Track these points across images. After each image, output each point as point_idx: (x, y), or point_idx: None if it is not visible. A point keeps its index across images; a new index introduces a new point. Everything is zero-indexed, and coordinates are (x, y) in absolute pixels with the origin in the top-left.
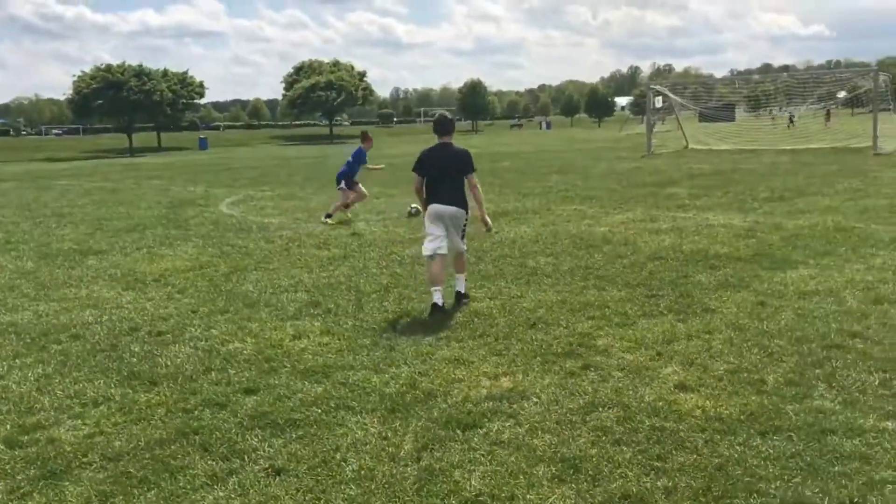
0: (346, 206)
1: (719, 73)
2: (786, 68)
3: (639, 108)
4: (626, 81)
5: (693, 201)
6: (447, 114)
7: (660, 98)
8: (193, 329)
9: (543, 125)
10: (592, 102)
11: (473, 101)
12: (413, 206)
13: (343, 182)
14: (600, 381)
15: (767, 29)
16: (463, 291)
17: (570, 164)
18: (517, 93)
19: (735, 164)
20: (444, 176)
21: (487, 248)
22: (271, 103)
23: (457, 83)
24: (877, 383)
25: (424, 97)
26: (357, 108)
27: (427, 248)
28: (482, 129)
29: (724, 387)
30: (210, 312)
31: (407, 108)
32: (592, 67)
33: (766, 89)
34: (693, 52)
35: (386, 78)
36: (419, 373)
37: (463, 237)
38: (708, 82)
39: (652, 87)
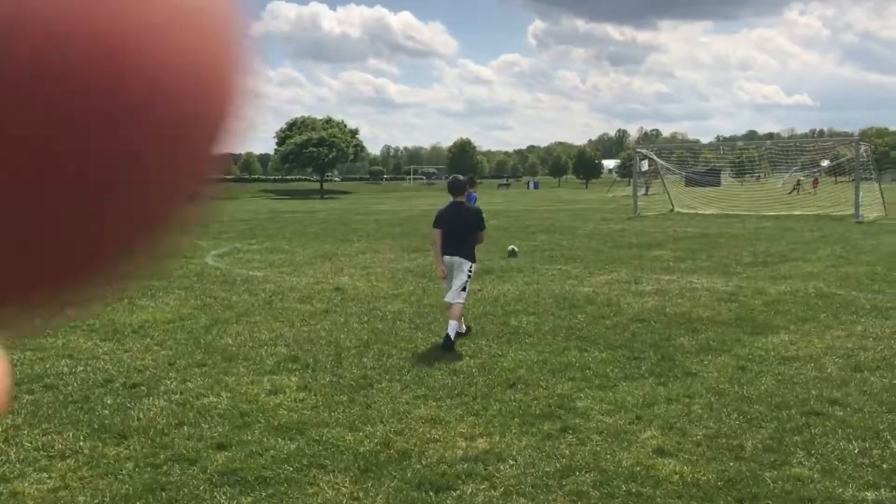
0: None
1: (705, 139)
2: (770, 136)
3: (626, 170)
4: (613, 144)
5: (677, 264)
6: (459, 176)
7: (646, 162)
8: (169, 382)
9: (531, 185)
10: (580, 164)
11: (462, 160)
12: (512, 247)
13: None
14: (578, 444)
15: (752, 98)
16: (452, 336)
17: (556, 224)
18: (506, 153)
19: (720, 229)
20: (457, 231)
21: (469, 306)
22: (263, 157)
23: (447, 142)
24: (856, 452)
25: (415, 155)
26: (348, 164)
27: (449, 297)
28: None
29: (703, 452)
30: (187, 365)
31: (397, 165)
32: (580, 130)
33: (750, 156)
34: (680, 118)
35: (377, 136)
36: (394, 431)
37: (464, 288)
38: (694, 148)
39: (638, 150)
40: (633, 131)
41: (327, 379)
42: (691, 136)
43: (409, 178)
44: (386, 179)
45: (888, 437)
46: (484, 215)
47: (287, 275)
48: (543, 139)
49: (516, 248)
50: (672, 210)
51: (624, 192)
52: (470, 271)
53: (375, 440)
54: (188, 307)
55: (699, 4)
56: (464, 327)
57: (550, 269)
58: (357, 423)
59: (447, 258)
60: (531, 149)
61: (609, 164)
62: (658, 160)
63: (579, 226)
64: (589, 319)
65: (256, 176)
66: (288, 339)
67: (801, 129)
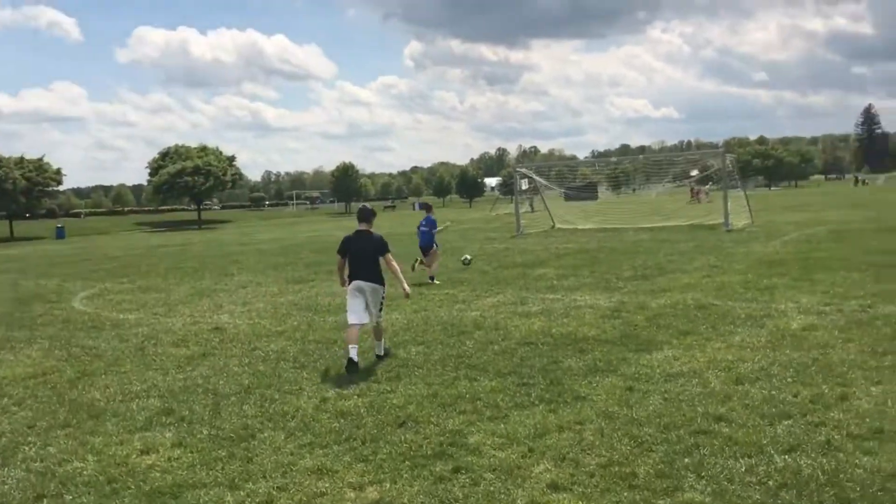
0: (426, 264)
1: (582, 154)
2: (642, 149)
3: (508, 188)
4: (494, 163)
5: (561, 282)
6: (367, 205)
7: (526, 180)
8: (28, 448)
9: (417, 206)
10: (463, 183)
11: (346, 184)
12: (466, 256)
13: (435, 246)
14: (471, 484)
15: (623, 112)
16: (382, 354)
17: (443, 246)
18: (390, 175)
19: (599, 243)
20: (363, 257)
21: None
22: (136, 189)
23: (329, 166)
24: (743, 470)
25: (297, 180)
26: (228, 191)
27: (350, 318)
28: (355, 212)
29: (597, 483)
30: (49, 427)
31: (279, 191)
32: (462, 149)
33: (625, 169)
34: (556, 135)
35: (256, 161)
36: (278, 487)
37: (381, 309)
38: (571, 164)
39: (518, 169)
40: (513, 149)
41: (205, 432)
42: (568, 152)
43: (293, 204)
44: (268, 206)
45: (772, 452)
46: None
47: (161, 316)
48: (426, 160)
49: (469, 257)
50: (553, 227)
51: (507, 210)
52: (383, 296)
53: (257, 500)
54: (52, 359)
55: (568, 24)
56: (381, 350)
57: (438, 294)
58: (237, 480)
59: (358, 283)
60: (414, 170)
61: (491, 182)
62: (537, 178)
63: (465, 246)
64: (478, 346)
65: (130, 208)
66: (161, 389)
67: (671, 141)
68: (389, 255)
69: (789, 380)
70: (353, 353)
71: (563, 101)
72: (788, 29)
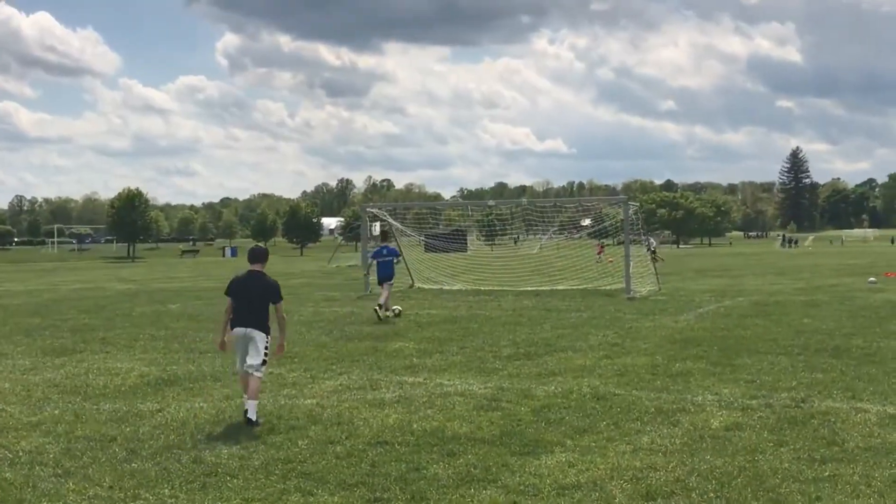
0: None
1: (447, 193)
2: (523, 190)
3: (352, 232)
4: (335, 198)
5: (423, 360)
6: (261, 245)
7: (377, 224)
8: None
9: (228, 252)
10: (293, 223)
11: (130, 218)
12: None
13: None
14: None
15: (500, 142)
16: (253, 419)
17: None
18: (192, 207)
19: (471, 310)
20: (250, 302)
21: (146, 436)
22: None
23: (107, 192)
24: None
25: (61, 210)
26: None
27: (238, 366)
28: (142, 256)
29: None
30: None
31: (34, 224)
32: (292, 178)
33: (501, 214)
34: (415, 166)
35: (2, 182)
36: None
37: (264, 363)
38: (434, 204)
39: (368, 209)
40: (360, 181)
41: None
42: (430, 189)
43: (53, 243)
44: (17, 244)
45: None
46: (280, 287)
47: None
48: (243, 190)
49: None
50: (412, 285)
51: (351, 261)
52: (266, 346)
53: None
54: None
55: (432, 26)
56: (253, 415)
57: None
58: None
59: (238, 330)
60: (226, 202)
61: (330, 223)
62: (392, 221)
63: (295, 309)
64: (314, 447)
65: None
66: None
67: (558, 182)
68: (281, 305)
69: (711, 495)
70: (250, 409)
71: (425, 122)
72: (702, 49)
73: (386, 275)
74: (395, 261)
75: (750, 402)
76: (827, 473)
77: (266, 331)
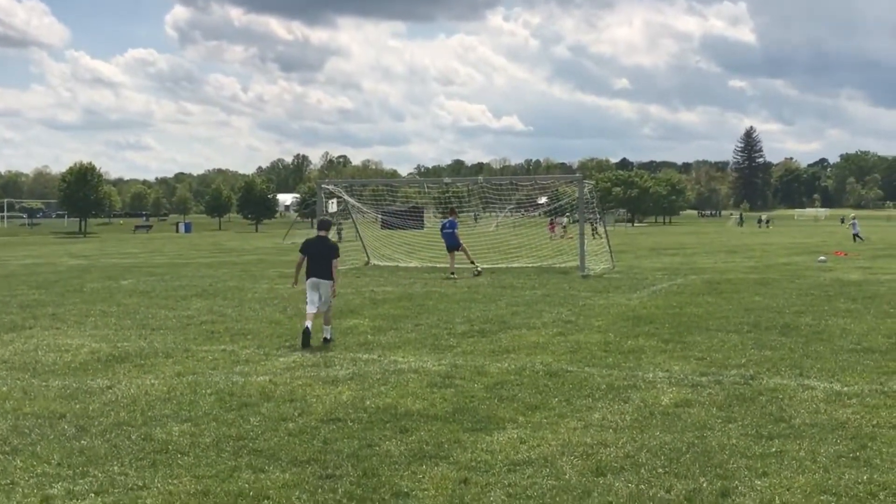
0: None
1: (404, 169)
2: (480, 167)
3: (308, 209)
4: (291, 174)
5: (378, 337)
6: (328, 218)
7: (334, 200)
8: None
9: (182, 227)
10: (248, 199)
11: (83, 193)
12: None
13: (459, 245)
14: None
15: (456, 119)
16: (329, 337)
17: (217, 285)
18: (145, 183)
19: (427, 287)
20: (321, 257)
21: (96, 413)
22: None
23: (58, 167)
24: None
25: (10, 185)
26: None
27: (308, 308)
28: (95, 231)
29: None
30: None
31: None
32: (246, 154)
33: (458, 192)
34: (372, 142)
35: None
36: None
37: (331, 296)
38: (391, 181)
39: (324, 185)
40: (316, 157)
41: None
42: (387, 166)
43: (3, 218)
44: None
45: None
46: (338, 246)
47: None
48: (197, 165)
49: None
50: (368, 262)
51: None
52: (333, 289)
53: None
54: None
55: (386, 0)
56: (329, 334)
57: (211, 351)
58: None
59: (313, 279)
60: (180, 177)
61: (286, 199)
62: (348, 198)
63: (249, 286)
64: (266, 423)
65: None
66: None
67: (515, 160)
68: (337, 260)
69: (660, 471)
70: (308, 325)
71: (380, 98)
72: (656, 27)
73: (451, 244)
74: (455, 231)
75: (700, 378)
76: (774, 449)
77: (331, 278)
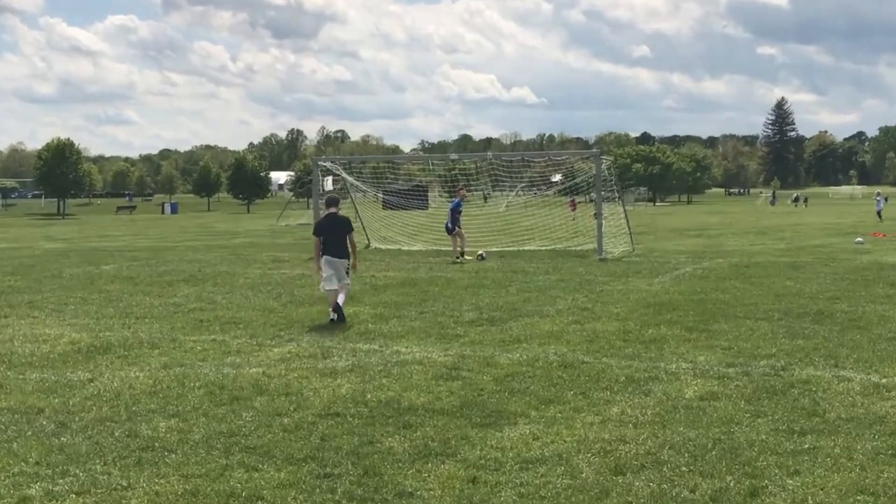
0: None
1: (407, 145)
2: (489, 142)
3: (304, 188)
4: (285, 150)
5: (379, 325)
6: (335, 195)
7: (330, 178)
8: None
9: (168, 208)
10: (239, 178)
11: (61, 172)
12: (480, 252)
13: (454, 228)
14: None
15: (462, 90)
16: (341, 304)
17: (206, 270)
18: (127, 160)
19: (432, 272)
20: (333, 236)
21: (76, 407)
22: None
23: (33, 143)
24: None
25: None
26: None
27: (325, 286)
28: (74, 213)
29: None
30: None
31: None
32: (237, 129)
33: (466, 169)
34: (371, 116)
35: None
36: None
37: (347, 274)
38: (393, 158)
39: (321, 162)
40: (312, 132)
41: None
42: (389, 141)
43: None
44: None
45: None
46: (350, 220)
47: None
48: (183, 141)
49: (484, 254)
50: (368, 246)
51: (302, 220)
52: (348, 267)
53: None
54: None
55: None
56: (336, 314)
57: (200, 342)
58: None
59: (328, 258)
60: (165, 154)
61: (280, 177)
62: (346, 175)
63: (240, 271)
64: (259, 419)
65: None
66: None
67: (527, 135)
68: (352, 234)
69: (684, 469)
70: (333, 315)
71: (380, 68)
72: None
73: (449, 226)
74: (455, 213)
75: (727, 370)
76: (806, 446)
77: (347, 256)
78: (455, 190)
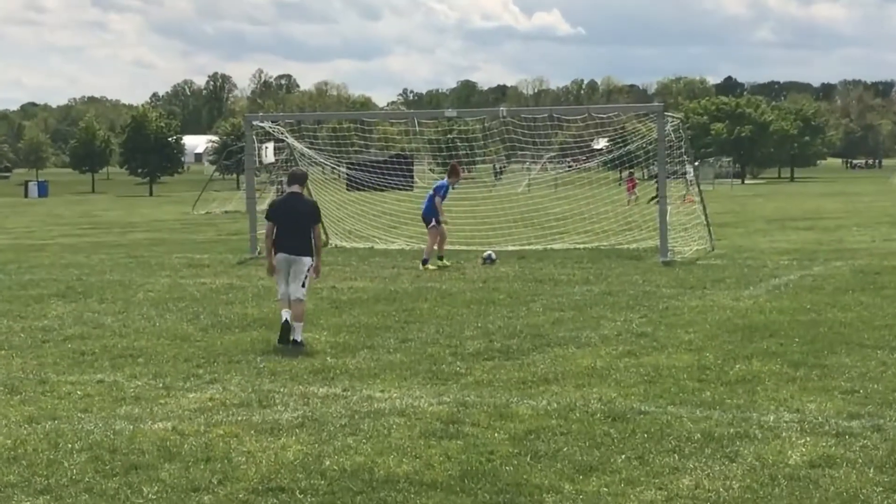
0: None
1: (383, 98)
2: (503, 93)
3: (233, 159)
4: (204, 105)
5: (343, 359)
6: (301, 168)
7: (270, 145)
8: None
9: (33, 189)
10: (137, 145)
11: None
12: (487, 253)
13: (434, 220)
14: None
15: (462, 17)
16: (299, 340)
17: (93, 279)
18: None
19: (419, 282)
20: (295, 224)
21: None
22: None
23: None
24: None
25: None
26: None
27: (281, 288)
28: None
29: None
30: None
31: None
32: (134, 74)
33: (467, 130)
34: (331, 54)
35: None
36: None
37: (304, 285)
38: (362, 115)
39: (256, 122)
40: (244, 79)
41: None
42: (355, 91)
43: None
44: None
45: None
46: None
47: None
48: (56, 90)
49: (494, 255)
50: (326, 243)
51: (230, 206)
52: (309, 270)
53: None
54: None
55: None
56: (299, 336)
57: (81, 384)
58: None
59: (283, 256)
60: (30, 111)
61: (197, 144)
62: (293, 141)
63: (140, 282)
64: (168, 496)
65: None
66: None
67: (557, 81)
68: (318, 227)
69: None
70: (286, 315)
71: None
72: None
73: (426, 214)
74: (438, 196)
75: (849, 423)
76: None
77: (311, 254)
78: (450, 164)
